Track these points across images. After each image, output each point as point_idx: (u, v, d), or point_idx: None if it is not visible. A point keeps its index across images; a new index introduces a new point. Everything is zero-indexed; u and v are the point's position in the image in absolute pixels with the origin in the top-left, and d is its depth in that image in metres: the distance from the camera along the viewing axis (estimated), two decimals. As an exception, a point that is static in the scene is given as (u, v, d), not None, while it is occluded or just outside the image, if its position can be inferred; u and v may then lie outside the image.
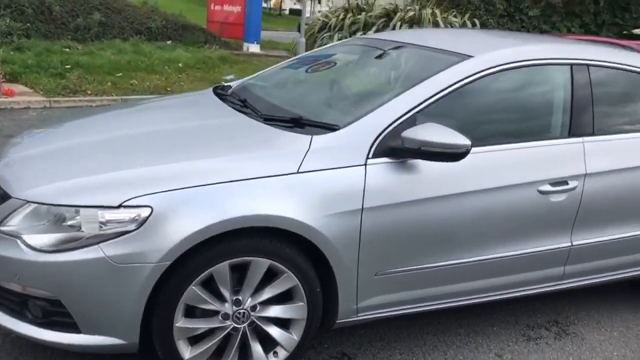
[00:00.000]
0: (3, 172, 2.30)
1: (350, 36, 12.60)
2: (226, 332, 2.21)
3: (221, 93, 3.18)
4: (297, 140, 2.31)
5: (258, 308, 2.24)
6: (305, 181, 2.21)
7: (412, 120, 2.37)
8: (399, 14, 12.53)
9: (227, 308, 2.19)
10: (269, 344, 2.31)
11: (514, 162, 2.54)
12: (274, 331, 2.29)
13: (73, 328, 2.08)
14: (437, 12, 12.71)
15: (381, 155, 2.31)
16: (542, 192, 2.58)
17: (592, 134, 2.76)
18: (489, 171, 2.49)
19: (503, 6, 14.47)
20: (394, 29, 12.28)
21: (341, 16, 13.44)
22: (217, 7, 15.06)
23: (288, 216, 2.14)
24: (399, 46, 3.02)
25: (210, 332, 2.21)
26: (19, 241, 2.05)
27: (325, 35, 13.02)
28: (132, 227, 2.00)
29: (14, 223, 2.09)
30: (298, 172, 2.21)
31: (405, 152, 2.30)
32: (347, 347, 2.65)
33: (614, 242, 2.85)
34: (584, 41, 8.19)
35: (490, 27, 13.78)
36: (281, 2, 53.11)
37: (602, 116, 2.81)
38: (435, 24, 12.46)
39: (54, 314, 2.09)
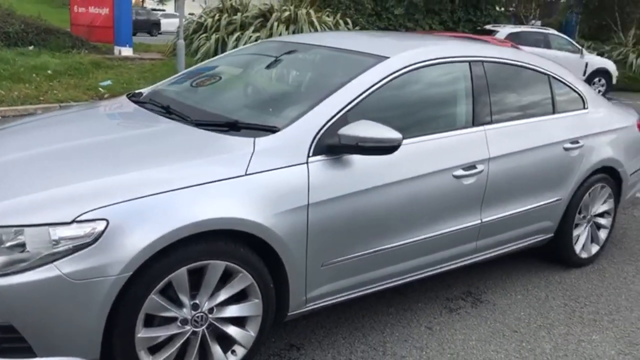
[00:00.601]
0: None
1: (228, 37, 12.60)
2: (186, 337, 2.24)
3: (139, 100, 3.13)
4: (241, 143, 2.39)
5: (215, 310, 2.29)
6: (254, 182, 2.29)
7: (344, 119, 2.54)
8: (275, 14, 12.71)
9: (186, 313, 2.21)
10: (227, 343, 2.37)
11: (432, 151, 2.81)
12: (232, 330, 2.35)
13: (27, 353, 2.00)
14: (312, 12, 13.07)
15: (320, 153, 2.46)
16: (456, 177, 2.89)
17: (491, 122, 3.13)
18: (412, 161, 2.73)
19: (371, 6, 15.23)
20: (271, 29, 12.48)
21: (217, 17, 13.34)
22: (82, 10, 14.18)
23: (241, 217, 2.22)
24: (314, 48, 3.18)
25: (169, 339, 2.22)
26: (-36, 268, 1.93)
27: (202, 36, 12.86)
28: (87, 241, 1.96)
29: None
30: (246, 174, 2.29)
31: (342, 149, 2.47)
32: (293, 339, 2.77)
33: (513, 216, 3.25)
34: (448, 37, 8.98)
35: (360, 25, 14.44)
36: (142, 2, 51.12)
37: (497, 106, 3.19)
38: (311, 23, 12.83)
39: (5, 341, 1.98)
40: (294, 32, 12.55)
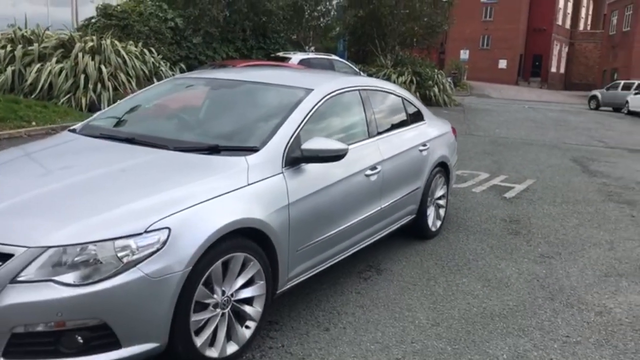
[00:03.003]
0: None
1: (26, 68, 11.96)
2: (218, 318, 2.81)
3: (95, 134, 3.50)
4: (237, 161, 3.04)
5: (234, 294, 2.90)
6: (255, 190, 2.97)
7: (298, 138, 3.34)
8: (78, 45, 12.44)
9: (217, 298, 2.79)
10: (242, 320, 2.97)
11: (352, 157, 3.74)
12: (247, 309, 2.97)
13: (114, 346, 2.40)
14: (116, 42, 13.08)
15: (288, 164, 3.22)
16: (366, 175, 3.88)
17: (378, 134, 4.19)
18: (342, 165, 3.63)
19: (170, 35, 15.66)
20: (76, 59, 12.21)
21: (9, 47, 12.50)
22: None
23: (253, 217, 2.89)
24: (247, 84, 3.90)
25: (206, 322, 2.77)
26: (53, 283, 2.28)
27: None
28: (158, 246, 2.46)
29: (32, 271, 2.29)
30: (249, 184, 2.96)
31: (304, 160, 3.27)
32: (271, 317, 3.44)
33: (397, 202, 4.36)
34: (254, 65, 10.12)
35: (163, 54, 14.77)
36: None
37: (379, 121, 4.27)
38: (117, 53, 12.85)
39: (96, 339, 2.37)
40: (100, 63, 12.46)
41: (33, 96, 11.78)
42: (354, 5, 24.29)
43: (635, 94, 26.85)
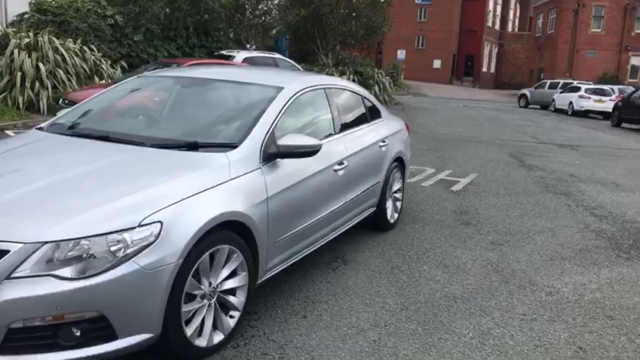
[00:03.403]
0: None
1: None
2: (205, 309, 2.90)
3: (73, 133, 3.51)
4: (218, 157, 3.14)
5: (219, 285, 3.00)
6: (237, 184, 3.08)
7: (273, 134, 3.47)
8: (13, 41, 11.96)
9: (205, 289, 2.89)
10: (226, 310, 3.08)
11: (322, 153, 3.90)
12: (231, 299, 3.08)
13: (110, 337, 2.47)
14: (54, 39, 12.66)
15: (265, 160, 3.35)
16: (335, 170, 4.05)
17: (343, 130, 4.38)
18: (313, 161, 3.78)
19: (110, 32, 15.28)
20: (12, 55, 11.75)
21: (-64, 43, 11.87)
22: None
23: (237, 210, 3.00)
24: (216, 82, 3.98)
25: (195, 312, 2.86)
26: (52, 278, 2.32)
27: None
28: (152, 239, 2.54)
29: (28, 266, 2.32)
30: (231, 179, 3.06)
31: (280, 155, 3.40)
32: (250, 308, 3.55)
33: (360, 195, 4.56)
34: (201, 63, 10.15)
35: (103, 52, 14.40)
36: None
37: (343, 119, 4.46)
38: (55, 50, 12.45)
39: (93, 331, 2.42)
40: (37, 60, 12.03)
41: (-35, 95, 11.27)
42: (295, 4, 24.45)
43: (561, 92, 28.42)
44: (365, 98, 5.08)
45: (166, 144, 3.26)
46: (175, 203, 2.70)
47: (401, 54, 43.63)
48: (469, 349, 3.20)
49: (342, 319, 3.47)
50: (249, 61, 15.72)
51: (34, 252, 2.33)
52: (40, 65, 11.93)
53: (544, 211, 6.58)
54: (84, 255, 2.40)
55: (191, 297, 2.81)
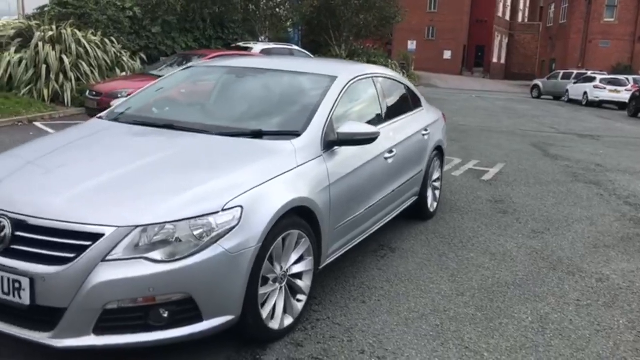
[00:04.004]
0: (73, 211, 2.44)
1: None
2: (277, 292, 2.97)
3: (135, 122, 3.57)
4: (286, 145, 3.19)
5: (289, 269, 3.06)
6: (303, 171, 3.14)
7: (331, 122, 3.52)
8: (38, 34, 12.06)
9: (277, 273, 2.95)
10: (294, 293, 3.14)
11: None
12: (299, 283, 3.14)
13: (196, 319, 2.53)
14: (76, 31, 12.75)
15: (325, 148, 3.40)
16: (385, 158, 4.10)
17: (391, 118, 4.42)
18: (366, 149, 3.83)
19: (128, 25, 15.35)
20: (36, 47, 11.85)
21: (-38, 37, 11.99)
22: None
23: (306, 196, 3.06)
24: (271, 72, 4.03)
25: (268, 296, 2.92)
26: (144, 260, 2.39)
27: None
28: (234, 223, 2.60)
29: (121, 249, 2.39)
30: (298, 166, 3.12)
31: (339, 143, 3.45)
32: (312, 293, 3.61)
33: (406, 183, 4.61)
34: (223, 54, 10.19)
35: (122, 44, 14.48)
36: None
37: (390, 107, 4.50)
38: (78, 42, 12.54)
39: (180, 312, 2.49)
40: (61, 53, 12.13)
41: (-8, 87, 11.38)
42: (309, -4, 24.44)
43: (575, 83, 28.26)
44: (408, 87, 5.12)
45: (232, 132, 3.32)
46: (253, 188, 2.76)
47: (412, 45, 43.46)
48: (531, 332, 3.25)
49: (401, 305, 3.53)
50: (266, 52, 15.76)
51: (126, 236, 2.39)
52: (64, 57, 12.03)
53: (577, 200, 6.61)
54: (170, 239, 2.46)
55: (265, 281, 2.87)
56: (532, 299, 3.73)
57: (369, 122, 4.05)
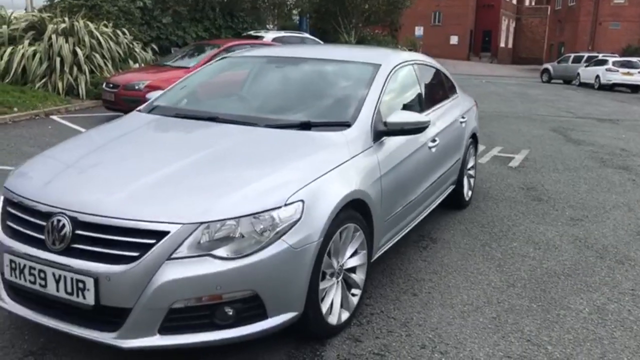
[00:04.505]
0: (134, 208, 2.37)
1: None
2: (335, 287, 2.90)
3: (177, 114, 3.49)
4: (338, 136, 3.10)
5: (344, 263, 2.99)
6: (357, 163, 3.05)
7: (379, 112, 3.42)
8: (51, 26, 11.95)
9: (335, 267, 2.88)
10: (349, 288, 3.07)
11: (418, 130, 3.87)
12: (354, 277, 3.07)
13: (262, 317, 2.47)
14: (89, 23, 12.64)
15: (375, 138, 3.31)
16: (429, 147, 4.01)
17: (432, 106, 4.32)
18: (411, 139, 3.73)
19: (139, 15, 15.22)
20: (49, 40, 11.75)
21: (-26, 31, 11.89)
22: None
23: (361, 189, 2.98)
24: (311, 60, 3.93)
25: (326, 290, 2.85)
26: (210, 257, 2.32)
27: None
28: (297, 218, 2.52)
29: (186, 247, 2.31)
30: (351, 158, 3.03)
31: (389, 133, 3.36)
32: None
33: (447, 172, 4.52)
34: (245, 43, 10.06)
35: (134, 35, 14.36)
36: None
37: (431, 94, 4.40)
38: (90, 34, 12.44)
39: (246, 310, 2.42)
40: (74, 45, 12.03)
41: (6, 81, 11.30)
42: (317, -17, 24.21)
43: (586, 66, 27.94)
44: (444, 73, 5.01)
45: (280, 124, 3.23)
46: (312, 182, 2.68)
47: (419, 31, 42.94)
48: (592, 324, 3.18)
49: (453, 297, 3.46)
50: (278, 41, 15.61)
51: (191, 233, 2.32)
52: (78, 49, 11.93)
53: (610, 186, 6.50)
54: (233, 235, 2.39)
55: (323, 275, 2.80)
56: (584, 289, 3.65)
57: (412, 110, 3.95)
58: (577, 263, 4.09)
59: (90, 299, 2.32)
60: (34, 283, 2.42)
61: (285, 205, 2.51)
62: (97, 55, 12.36)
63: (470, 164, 5.39)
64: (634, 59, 26.19)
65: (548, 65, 32.78)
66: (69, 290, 2.35)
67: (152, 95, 4.02)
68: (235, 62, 4.30)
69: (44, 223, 2.45)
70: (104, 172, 2.75)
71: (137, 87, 9.38)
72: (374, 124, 3.31)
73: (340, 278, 2.95)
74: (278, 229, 2.46)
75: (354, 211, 2.96)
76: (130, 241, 2.32)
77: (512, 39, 58.64)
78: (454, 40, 51.67)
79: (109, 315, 2.35)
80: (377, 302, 3.35)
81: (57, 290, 2.37)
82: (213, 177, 2.65)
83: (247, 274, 2.37)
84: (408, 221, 3.86)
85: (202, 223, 2.34)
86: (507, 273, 3.86)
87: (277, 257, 2.43)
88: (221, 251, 2.35)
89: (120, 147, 3.11)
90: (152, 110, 3.69)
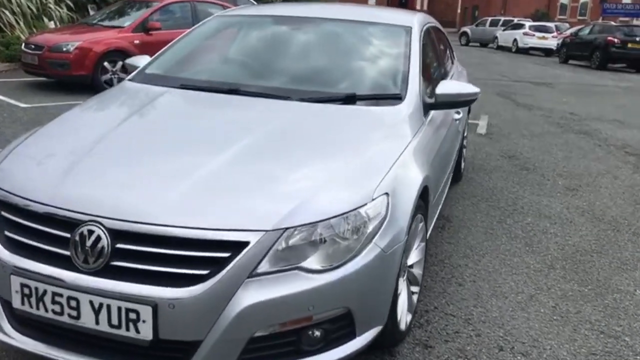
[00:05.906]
0: (195, 212, 1.83)
1: None
2: (404, 289, 2.50)
3: (182, 85, 2.88)
4: (396, 112, 2.66)
5: (408, 259, 2.59)
6: (417, 143, 2.61)
7: (422, 82, 3.00)
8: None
9: (403, 267, 2.48)
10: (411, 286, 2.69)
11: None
12: (414, 272, 2.68)
13: (350, 336, 2.03)
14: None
15: (425, 111, 2.90)
16: (455, 119, 3.66)
17: (448, 72, 3.96)
18: (448, 112, 3.37)
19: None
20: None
21: None
22: None
23: (428, 174, 2.57)
24: (332, 20, 3.39)
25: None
26: (299, 271, 1.84)
27: None
28: (384, 214, 2.08)
29: (267, 260, 1.83)
30: (413, 138, 2.60)
31: (435, 106, 2.96)
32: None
33: (461, 142, 4.21)
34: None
35: None
36: None
37: (444, 60, 4.02)
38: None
39: (335, 330, 1.98)
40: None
41: None
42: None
43: (504, 30, 28.74)
44: (446, 36, 4.64)
45: (320, 98, 2.73)
46: (390, 170, 2.23)
47: (338, -8, 42.44)
48: (653, 308, 3.02)
49: (499, 285, 3.18)
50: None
51: (275, 242, 1.82)
52: (-16, 4, 10.46)
53: (582, 152, 6.51)
54: (322, 242, 1.91)
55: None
56: (622, 267, 3.51)
57: (437, 78, 3.57)
58: (599, 238, 3.95)
59: (147, 332, 1.77)
60: (61, 314, 1.83)
61: (373, 200, 2.06)
62: (6, 12, 10.92)
63: (465, 133, 5.13)
64: (548, 24, 27.23)
65: (466, 29, 33.42)
66: (115, 322, 1.79)
67: (136, 61, 3.33)
68: (233, 22, 3.66)
69: (67, 235, 1.85)
70: (136, 163, 2.14)
71: (65, 49, 8.31)
72: (421, 97, 2.89)
73: (405, 277, 2.56)
74: (368, 231, 2.01)
75: (420, 200, 2.55)
76: (196, 256, 1.79)
77: (427, 3, 59.38)
78: (371, 2, 51.48)
79: (169, 351, 1.83)
80: (425, 296, 3.00)
81: (97, 322, 1.80)
82: (279, 168, 2.12)
83: (342, 288, 1.92)
84: (441, 200, 3.52)
85: (287, 229, 1.85)
86: (539, 253, 3.63)
87: (370, 265, 1.99)
88: (311, 262, 1.87)
89: (140, 129, 2.47)
90: (148, 80, 3.03)
